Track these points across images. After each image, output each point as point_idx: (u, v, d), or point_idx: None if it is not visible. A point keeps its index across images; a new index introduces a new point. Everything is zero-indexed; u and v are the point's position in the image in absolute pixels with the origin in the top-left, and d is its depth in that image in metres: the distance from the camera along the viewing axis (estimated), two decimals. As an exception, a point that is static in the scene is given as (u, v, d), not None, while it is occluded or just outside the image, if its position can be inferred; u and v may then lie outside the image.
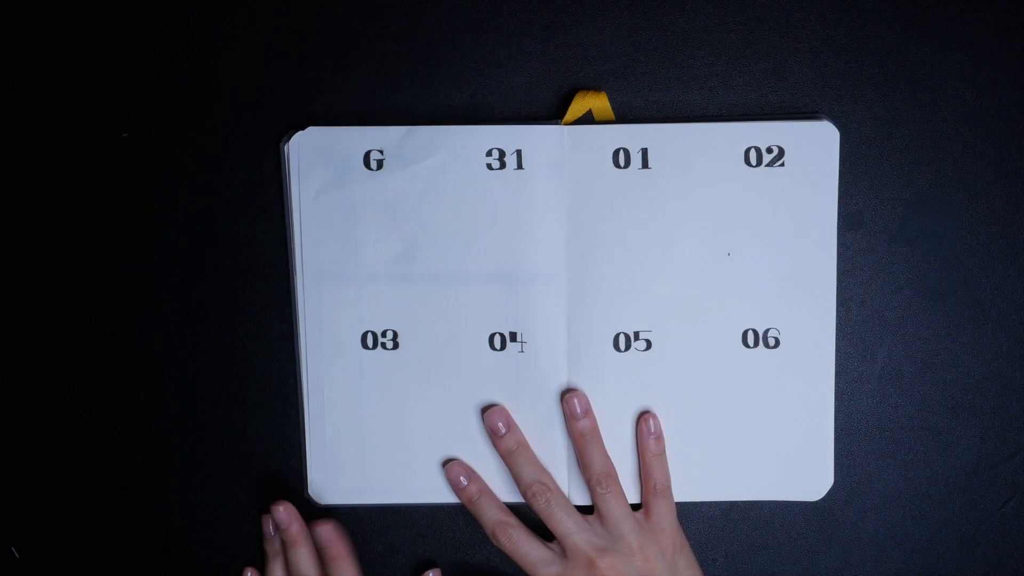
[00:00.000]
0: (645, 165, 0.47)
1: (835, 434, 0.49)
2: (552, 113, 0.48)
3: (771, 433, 0.48)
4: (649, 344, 0.48)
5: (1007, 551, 0.51)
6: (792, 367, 0.48)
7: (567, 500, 0.47)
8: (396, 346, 0.48)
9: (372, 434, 0.49)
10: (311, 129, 0.47)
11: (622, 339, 0.48)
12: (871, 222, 0.49)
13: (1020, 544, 0.50)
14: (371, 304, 0.48)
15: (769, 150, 0.46)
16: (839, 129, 0.47)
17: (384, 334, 0.48)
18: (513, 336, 0.48)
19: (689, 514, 0.50)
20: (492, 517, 0.47)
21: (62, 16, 0.48)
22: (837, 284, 0.48)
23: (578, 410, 0.47)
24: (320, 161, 0.47)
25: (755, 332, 0.48)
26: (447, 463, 0.48)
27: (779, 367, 0.48)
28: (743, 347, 0.48)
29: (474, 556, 0.51)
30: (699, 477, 0.49)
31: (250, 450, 0.50)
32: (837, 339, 0.48)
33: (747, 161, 0.47)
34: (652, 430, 0.47)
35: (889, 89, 0.48)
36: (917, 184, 0.49)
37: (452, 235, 0.47)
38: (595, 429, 0.47)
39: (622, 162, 0.47)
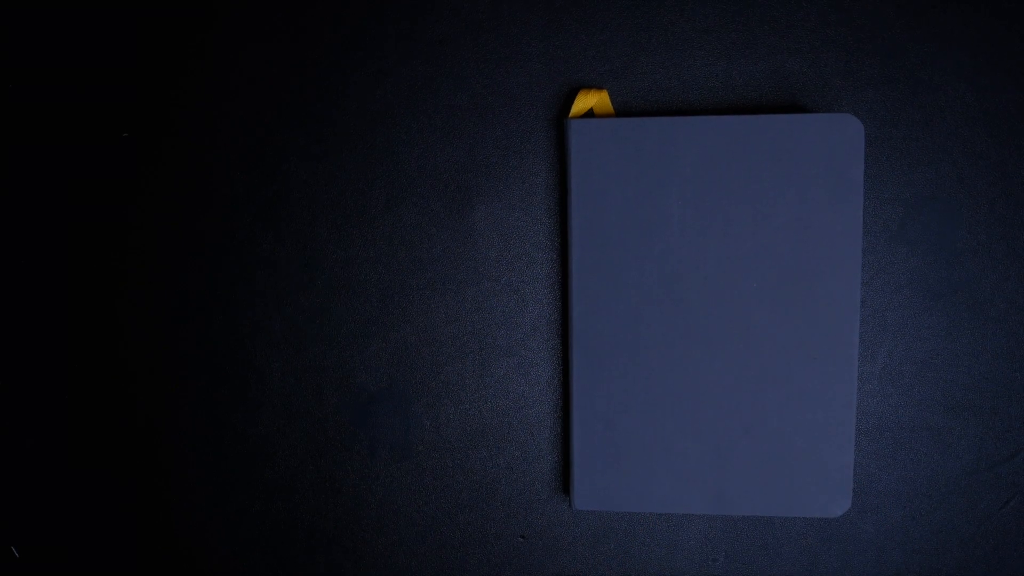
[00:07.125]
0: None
1: (835, 434, 0.49)
2: (553, 112, 0.48)
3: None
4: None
5: (1007, 551, 0.50)
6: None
7: None
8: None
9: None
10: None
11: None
12: (871, 222, 0.49)
13: (1020, 544, 0.50)
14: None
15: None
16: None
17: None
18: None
19: (689, 514, 0.50)
20: None
21: (62, 16, 0.48)
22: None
23: None
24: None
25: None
26: None
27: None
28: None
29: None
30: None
31: (247, 451, 0.50)
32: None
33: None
34: None
35: (889, 89, 0.48)
36: (917, 184, 0.49)
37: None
38: None
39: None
